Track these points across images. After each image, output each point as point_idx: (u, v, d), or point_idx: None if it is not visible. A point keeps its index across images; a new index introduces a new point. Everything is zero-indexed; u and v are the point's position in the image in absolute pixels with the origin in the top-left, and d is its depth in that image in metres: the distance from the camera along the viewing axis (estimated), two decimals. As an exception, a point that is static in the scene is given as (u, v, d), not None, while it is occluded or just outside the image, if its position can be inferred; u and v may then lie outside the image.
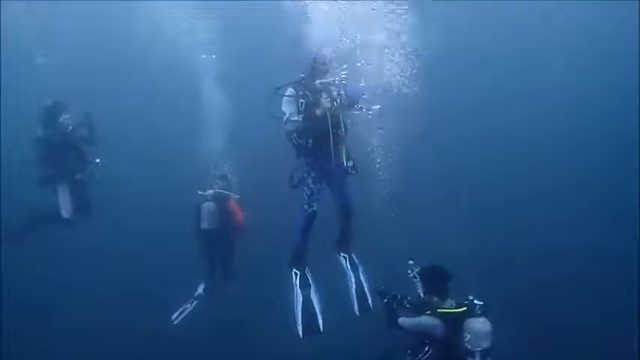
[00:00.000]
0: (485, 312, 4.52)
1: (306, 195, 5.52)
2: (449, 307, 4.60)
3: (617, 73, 9.53)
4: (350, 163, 5.43)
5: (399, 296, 4.97)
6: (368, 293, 5.84)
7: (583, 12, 9.74)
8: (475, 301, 4.57)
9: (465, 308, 4.53)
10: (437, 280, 4.70)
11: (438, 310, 4.56)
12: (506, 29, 10.20)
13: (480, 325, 4.44)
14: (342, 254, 5.99)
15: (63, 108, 6.92)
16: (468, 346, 4.42)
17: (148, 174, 9.25)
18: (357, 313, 5.81)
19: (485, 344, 4.43)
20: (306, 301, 5.53)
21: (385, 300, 5.02)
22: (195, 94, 7.93)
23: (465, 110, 10.11)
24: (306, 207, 5.53)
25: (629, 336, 6.91)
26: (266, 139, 6.34)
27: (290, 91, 5.31)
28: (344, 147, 5.44)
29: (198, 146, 7.47)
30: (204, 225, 6.99)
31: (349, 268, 5.93)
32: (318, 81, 5.24)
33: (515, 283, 7.77)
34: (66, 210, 7.02)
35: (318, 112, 5.21)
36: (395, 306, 4.96)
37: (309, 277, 5.68)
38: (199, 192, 7.06)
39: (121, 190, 8.71)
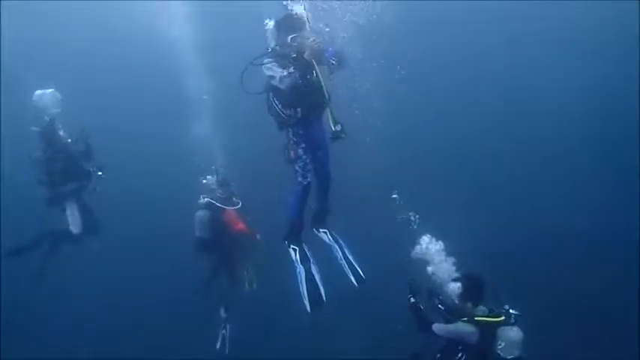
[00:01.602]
0: (518, 321, 4.63)
1: (300, 167, 5.41)
2: (482, 315, 4.66)
3: (617, 72, 9.63)
4: (338, 127, 5.22)
5: (435, 297, 5.00)
6: (356, 265, 5.74)
7: (583, 12, 9.85)
8: (511, 311, 4.66)
9: (502, 318, 4.61)
10: (475, 288, 4.75)
11: (476, 318, 4.61)
12: (506, 29, 10.28)
13: (513, 334, 4.60)
14: (321, 230, 5.85)
15: (57, 124, 6.78)
16: (501, 354, 4.54)
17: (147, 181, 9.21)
18: (356, 285, 5.68)
19: (518, 352, 4.57)
20: (309, 274, 5.48)
21: (413, 301, 5.02)
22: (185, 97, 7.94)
23: (464, 110, 10.22)
24: (300, 179, 5.43)
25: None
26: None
27: (269, 60, 5.14)
28: (330, 112, 5.28)
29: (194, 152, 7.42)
30: (197, 233, 6.93)
31: (332, 241, 5.83)
32: (290, 36, 5.07)
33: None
34: (75, 226, 6.92)
35: (303, 77, 5.06)
36: (422, 307, 4.97)
37: (307, 251, 5.61)
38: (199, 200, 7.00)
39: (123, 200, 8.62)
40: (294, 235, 5.64)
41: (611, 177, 9.22)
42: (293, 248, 5.60)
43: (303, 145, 5.39)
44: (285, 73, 5.00)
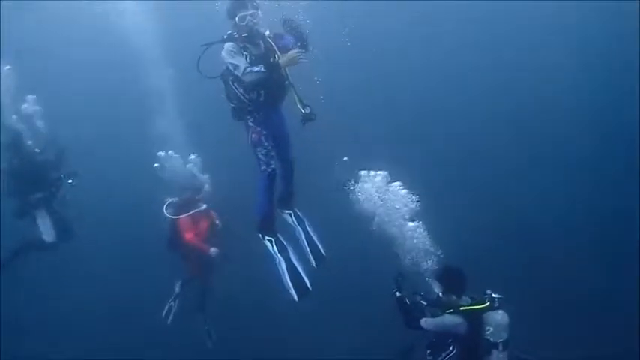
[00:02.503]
0: (502, 304, 4.66)
1: (262, 155, 5.32)
2: (466, 304, 4.68)
3: (617, 73, 9.69)
4: (307, 110, 5.18)
5: (417, 294, 5.00)
6: (319, 244, 5.78)
7: (583, 12, 9.84)
8: (493, 295, 4.69)
9: (488, 303, 4.62)
10: (456, 280, 4.76)
11: (461, 308, 4.61)
12: (505, 28, 10.28)
13: (499, 317, 4.62)
14: (285, 211, 5.86)
15: (22, 135, 6.71)
16: (491, 339, 4.57)
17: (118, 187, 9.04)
18: (315, 266, 5.69)
19: (506, 334, 4.61)
20: (289, 263, 5.43)
21: (398, 294, 5.00)
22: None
23: (464, 110, 10.20)
24: (264, 167, 5.33)
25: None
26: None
27: (230, 44, 5.04)
28: (296, 95, 5.24)
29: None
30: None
31: (296, 223, 5.82)
32: (238, 15, 4.93)
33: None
34: (48, 234, 6.83)
35: (265, 61, 4.98)
36: (407, 302, 4.95)
37: (283, 240, 5.55)
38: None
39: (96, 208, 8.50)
40: (267, 225, 5.54)
41: (611, 178, 9.28)
42: (268, 239, 5.51)
43: (264, 132, 5.30)
44: (255, 69, 4.89)
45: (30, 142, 6.74)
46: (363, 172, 5.54)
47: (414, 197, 5.35)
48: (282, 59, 4.97)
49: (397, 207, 5.34)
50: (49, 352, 8.12)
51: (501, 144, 9.98)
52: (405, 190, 5.39)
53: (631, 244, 8.38)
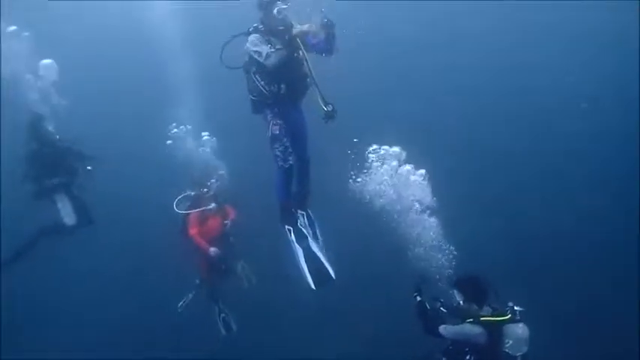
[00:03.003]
0: (524, 318, 4.59)
1: (280, 151, 5.32)
2: (487, 314, 4.62)
3: (617, 72, 9.68)
4: (330, 107, 5.17)
5: (437, 300, 4.96)
6: (322, 251, 5.62)
7: (583, 12, 9.84)
8: (515, 308, 4.62)
9: (509, 315, 4.56)
10: (477, 289, 4.70)
11: (481, 319, 4.56)
12: (505, 28, 10.26)
13: (520, 330, 4.57)
14: (298, 211, 5.78)
15: (45, 119, 6.74)
16: (509, 352, 4.52)
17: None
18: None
19: (525, 348, 4.56)
20: (307, 252, 5.44)
21: (419, 299, 4.97)
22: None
23: (464, 110, 10.17)
24: (281, 163, 5.36)
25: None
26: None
27: (256, 35, 5.10)
28: (319, 92, 5.22)
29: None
30: None
31: (307, 224, 5.75)
32: (276, 8, 5.01)
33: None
34: (69, 217, 6.84)
35: (289, 54, 5.05)
36: (428, 308, 4.92)
37: (303, 230, 5.57)
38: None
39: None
40: (286, 215, 5.59)
41: (612, 178, 9.29)
42: (287, 228, 5.56)
43: (284, 127, 5.30)
44: (272, 50, 4.94)
45: (50, 128, 6.77)
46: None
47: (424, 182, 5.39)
48: (296, 30, 5.02)
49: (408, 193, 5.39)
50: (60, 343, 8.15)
51: (500, 144, 10.03)
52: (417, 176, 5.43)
53: (631, 244, 8.34)
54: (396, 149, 5.79)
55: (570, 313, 7.72)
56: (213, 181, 6.96)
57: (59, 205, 6.81)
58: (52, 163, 6.73)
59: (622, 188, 9.12)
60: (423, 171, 5.77)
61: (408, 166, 5.71)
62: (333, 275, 5.40)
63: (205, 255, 6.84)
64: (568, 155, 9.78)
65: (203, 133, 7.33)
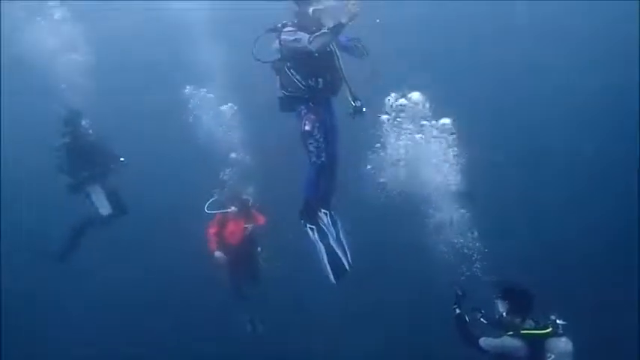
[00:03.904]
0: (566, 331, 4.55)
1: (313, 147, 5.31)
2: (529, 328, 4.58)
3: (617, 73, 9.55)
4: (358, 103, 5.25)
5: (477, 311, 4.93)
6: (348, 252, 5.70)
7: (583, 12, 9.77)
8: (558, 321, 4.58)
9: (551, 329, 4.52)
10: (523, 301, 4.65)
11: (522, 332, 4.52)
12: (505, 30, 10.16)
13: (563, 345, 4.49)
14: (322, 210, 5.73)
15: (80, 114, 6.96)
16: None
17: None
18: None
19: None
20: (329, 249, 5.48)
21: (458, 311, 4.97)
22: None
23: (463, 108, 9.95)
24: (315, 159, 5.34)
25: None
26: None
27: (288, 27, 5.09)
28: (348, 88, 5.30)
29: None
30: None
31: (330, 224, 5.72)
32: (311, 8, 4.96)
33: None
34: (104, 208, 7.01)
35: (332, 37, 4.93)
36: (467, 320, 4.89)
37: (325, 229, 5.57)
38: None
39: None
40: (310, 213, 5.55)
41: (612, 178, 9.22)
42: (310, 227, 5.52)
43: (317, 123, 5.27)
44: (318, 33, 4.84)
45: (84, 123, 6.93)
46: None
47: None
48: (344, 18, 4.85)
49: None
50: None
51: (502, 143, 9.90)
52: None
53: (631, 245, 8.33)
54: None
55: (570, 315, 7.64)
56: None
57: (93, 197, 6.97)
58: (85, 156, 6.89)
59: (622, 189, 9.10)
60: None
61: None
62: (347, 267, 5.50)
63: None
64: (568, 155, 9.78)
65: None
